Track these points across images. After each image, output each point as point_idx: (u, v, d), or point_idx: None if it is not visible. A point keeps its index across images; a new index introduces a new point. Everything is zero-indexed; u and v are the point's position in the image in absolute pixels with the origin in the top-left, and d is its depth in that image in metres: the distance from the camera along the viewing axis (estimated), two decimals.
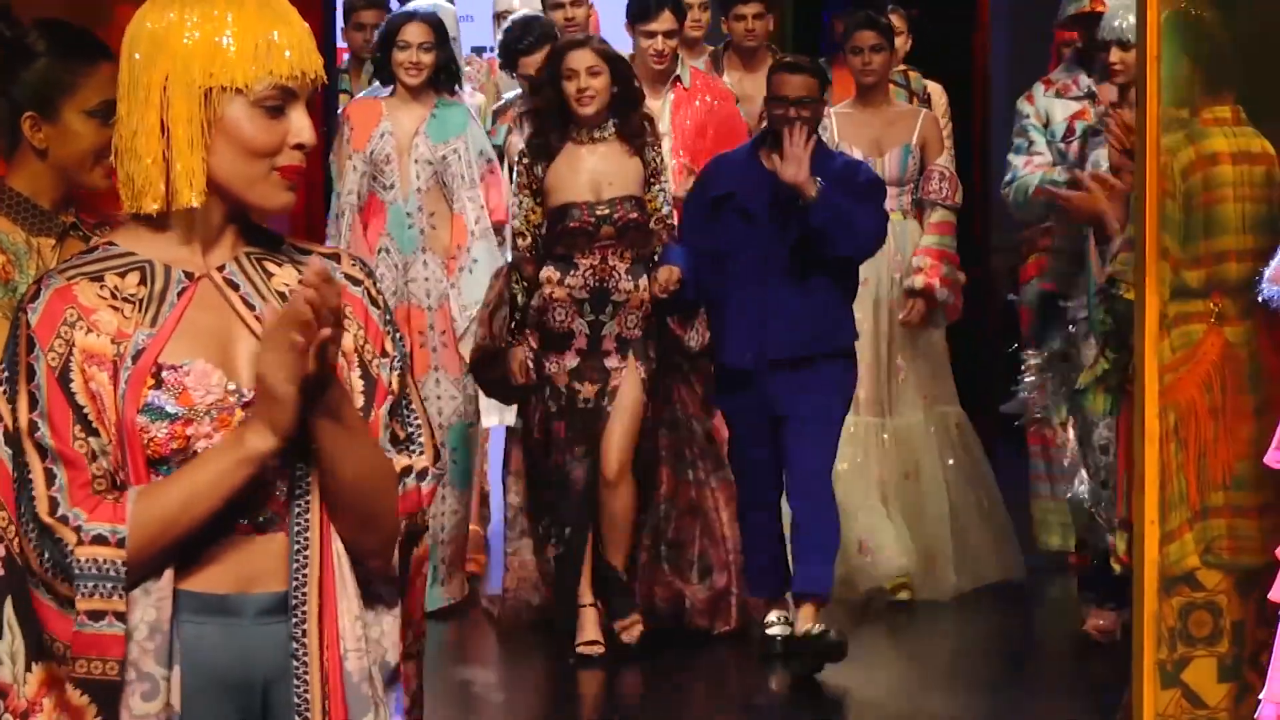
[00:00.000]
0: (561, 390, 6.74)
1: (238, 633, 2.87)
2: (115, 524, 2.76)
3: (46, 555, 2.79)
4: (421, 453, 2.93)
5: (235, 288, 2.88)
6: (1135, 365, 5.38)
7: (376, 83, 7.72)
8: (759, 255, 6.65)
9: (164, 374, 2.81)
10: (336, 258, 2.97)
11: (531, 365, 6.79)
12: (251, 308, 2.87)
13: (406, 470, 2.89)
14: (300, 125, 2.86)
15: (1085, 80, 7.57)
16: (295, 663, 2.83)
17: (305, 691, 2.84)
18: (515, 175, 6.94)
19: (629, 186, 6.75)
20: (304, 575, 2.85)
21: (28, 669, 2.82)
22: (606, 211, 6.71)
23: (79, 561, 2.76)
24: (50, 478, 2.79)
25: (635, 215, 6.73)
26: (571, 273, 6.71)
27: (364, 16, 8.47)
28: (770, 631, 6.78)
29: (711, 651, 6.95)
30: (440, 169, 7.44)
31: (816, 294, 6.65)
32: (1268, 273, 5.14)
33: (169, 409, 2.80)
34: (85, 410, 2.80)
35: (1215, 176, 5.50)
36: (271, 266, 2.92)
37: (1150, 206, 5.52)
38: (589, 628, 6.73)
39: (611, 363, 6.72)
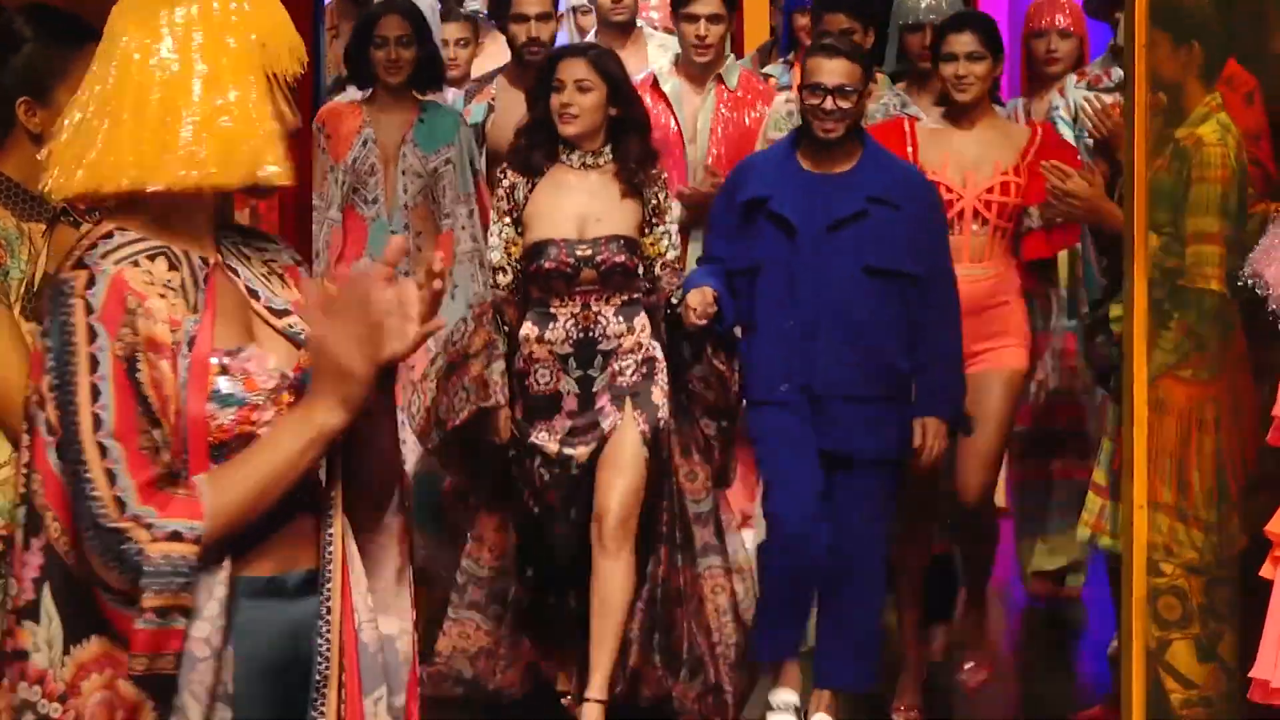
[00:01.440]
0: (553, 458, 5.78)
1: (281, 612, 2.89)
2: (192, 520, 2.75)
3: (113, 556, 2.75)
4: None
5: (236, 273, 2.91)
6: (1125, 350, 5.45)
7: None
8: (797, 269, 5.72)
9: (226, 361, 2.83)
10: (270, 238, 3.05)
11: (514, 430, 5.87)
12: (255, 293, 2.91)
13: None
14: (295, 107, 2.94)
15: (1118, 72, 7.29)
16: (320, 638, 2.87)
17: (325, 667, 2.88)
18: (494, 199, 6.04)
19: (620, 226, 5.80)
20: (330, 553, 2.89)
21: (65, 653, 2.81)
22: (588, 253, 5.76)
23: (151, 559, 2.74)
24: (112, 478, 2.75)
25: (622, 259, 5.77)
26: (550, 326, 5.78)
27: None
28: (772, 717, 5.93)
29: None
30: (431, 182, 6.78)
31: (867, 323, 5.71)
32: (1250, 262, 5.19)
33: (238, 395, 2.82)
34: (150, 401, 2.78)
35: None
36: (249, 252, 2.96)
37: (1139, 191, 5.54)
38: None
39: (607, 420, 5.78)
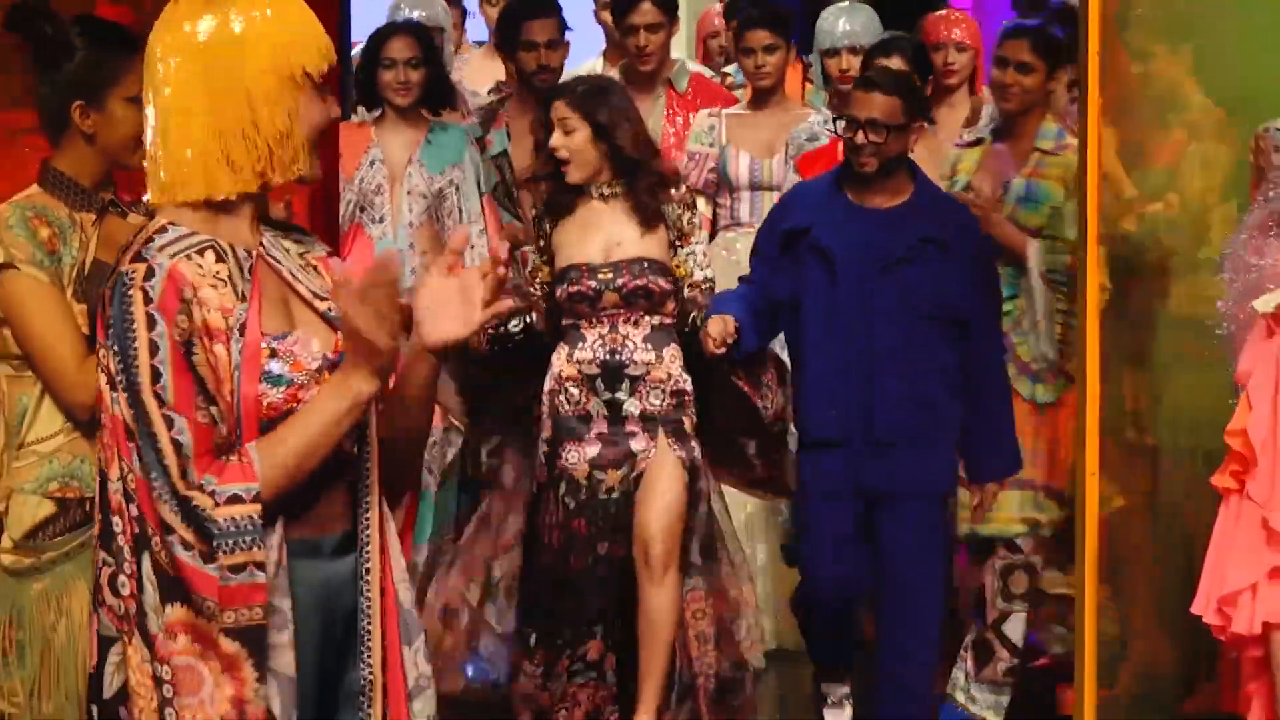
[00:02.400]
0: (581, 483, 5.55)
1: (321, 570, 3.03)
2: (248, 483, 2.89)
3: (187, 521, 2.88)
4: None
5: (278, 261, 3.05)
6: (1079, 327, 5.56)
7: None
8: (837, 304, 5.45)
9: (275, 345, 2.97)
10: (304, 232, 3.19)
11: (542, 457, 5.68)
12: (297, 279, 3.06)
13: None
14: (331, 102, 3.07)
15: None
16: (362, 598, 3.02)
17: (369, 624, 3.03)
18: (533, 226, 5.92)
19: (642, 250, 5.60)
20: (368, 518, 3.04)
21: (162, 613, 2.92)
22: (610, 276, 5.58)
23: (218, 523, 2.87)
24: (177, 447, 2.88)
25: (643, 281, 5.58)
26: (579, 345, 5.61)
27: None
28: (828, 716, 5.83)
29: None
30: (435, 204, 6.57)
31: (915, 366, 5.45)
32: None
33: (286, 376, 2.96)
34: (206, 381, 2.91)
35: None
36: (288, 243, 3.11)
37: (1092, 192, 5.66)
38: None
39: (638, 445, 5.56)
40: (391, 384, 3.11)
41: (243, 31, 2.98)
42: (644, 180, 5.61)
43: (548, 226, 5.70)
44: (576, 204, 5.66)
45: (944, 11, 6.94)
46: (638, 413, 5.55)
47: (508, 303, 3.02)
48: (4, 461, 3.99)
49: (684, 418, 5.58)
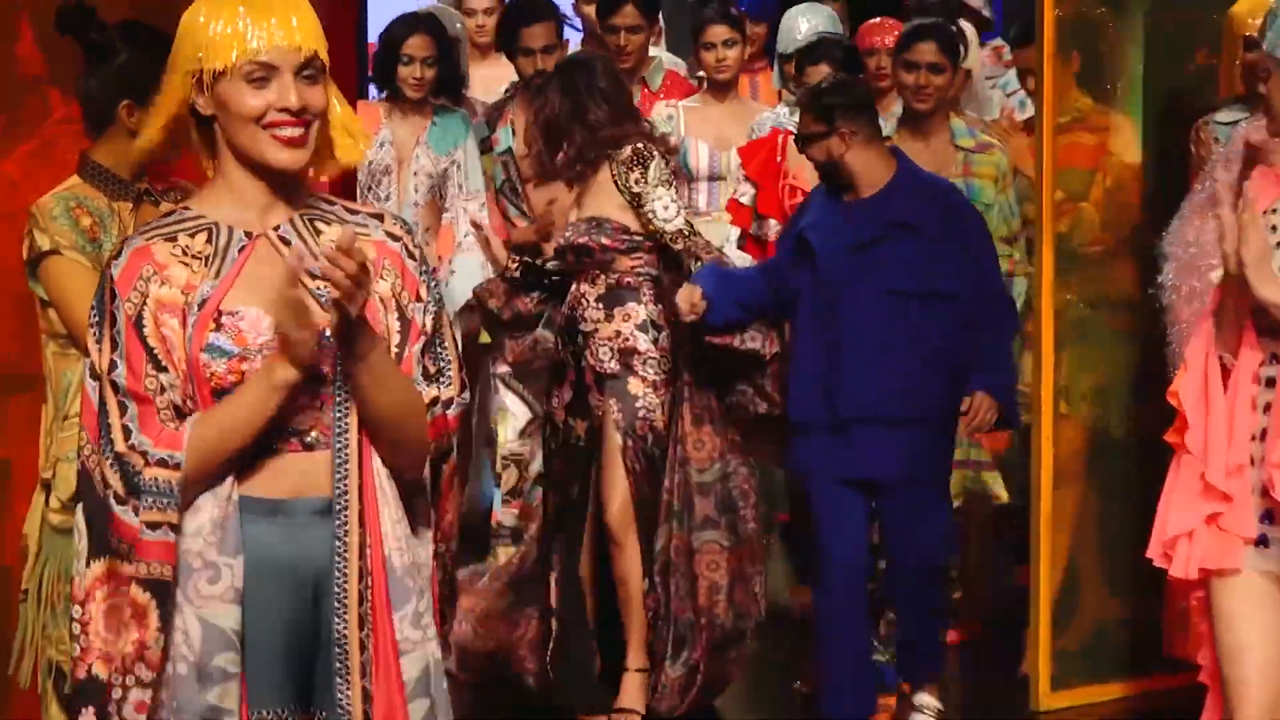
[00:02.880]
0: (559, 426, 5.67)
1: (291, 531, 3.05)
2: (173, 450, 2.97)
3: (120, 476, 2.98)
4: (450, 384, 3.13)
5: (288, 244, 3.06)
6: (1036, 315, 5.82)
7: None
8: (823, 300, 5.39)
9: (223, 319, 3.00)
10: (380, 217, 3.16)
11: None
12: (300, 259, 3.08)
13: (434, 401, 3.10)
14: (281, 92, 3.02)
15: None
16: (336, 557, 3.04)
17: (344, 581, 3.04)
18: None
19: (593, 209, 5.63)
20: (344, 485, 3.04)
21: (87, 565, 3.02)
22: (569, 236, 5.65)
23: (144, 481, 2.97)
24: (123, 409, 2.98)
25: (584, 240, 5.60)
26: (559, 301, 5.74)
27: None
28: None
29: None
30: (439, 182, 6.65)
31: (891, 345, 5.34)
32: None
33: (226, 348, 3.00)
34: (155, 351, 2.99)
35: None
36: (321, 225, 3.10)
37: (1046, 197, 5.85)
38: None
39: (594, 399, 5.61)
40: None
41: (185, 27, 3.06)
42: (571, 150, 5.61)
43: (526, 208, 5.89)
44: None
45: (878, 20, 6.82)
46: (589, 368, 5.59)
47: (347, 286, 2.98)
48: (52, 432, 4.05)
49: (631, 377, 5.55)
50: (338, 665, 3.03)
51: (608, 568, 5.61)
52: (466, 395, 3.21)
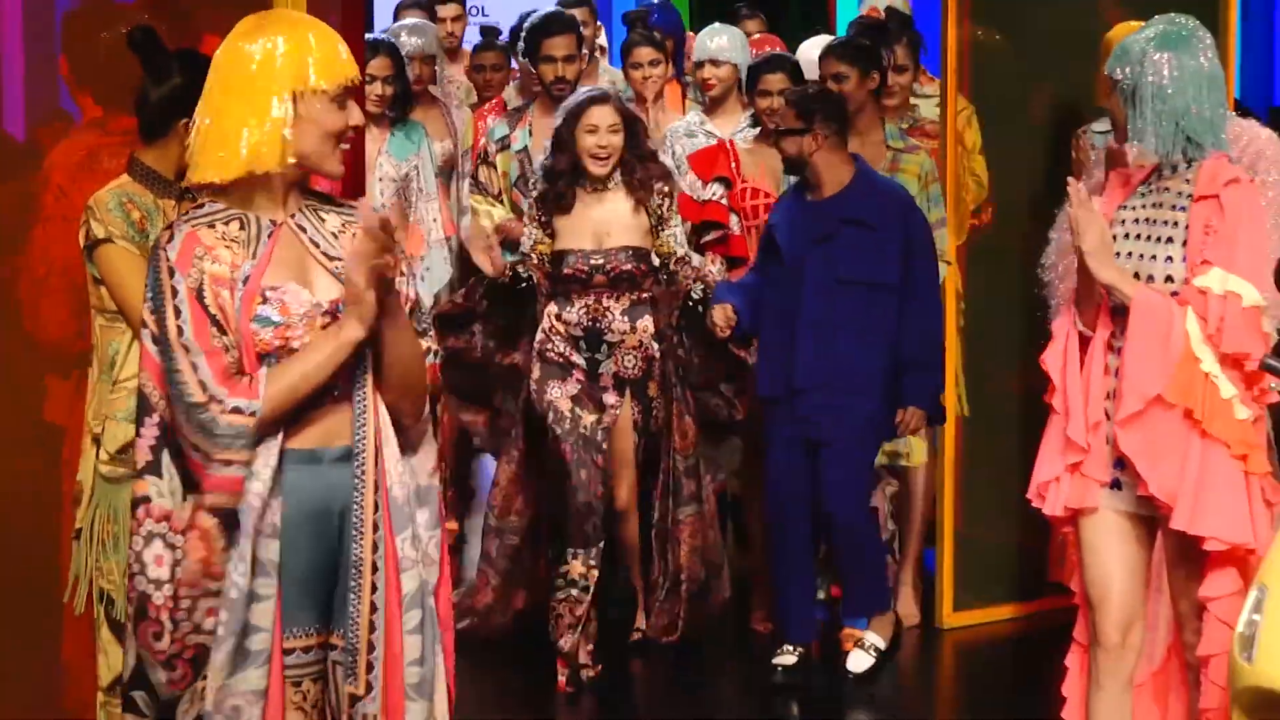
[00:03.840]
0: (565, 414, 5.58)
1: (320, 474, 3.20)
2: (249, 399, 3.08)
3: (196, 425, 3.09)
4: (432, 340, 3.32)
5: (304, 230, 3.22)
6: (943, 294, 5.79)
7: None
8: (784, 285, 5.51)
9: (268, 293, 3.13)
10: (352, 208, 3.29)
11: (532, 392, 5.67)
12: (316, 244, 3.23)
13: (427, 351, 3.29)
14: (355, 114, 3.21)
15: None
16: (355, 494, 3.18)
17: (361, 513, 3.19)
18: (526, 206, 5.82)
19: (628, 237, 5.62)
20: (363, 433, 3.19)
21: (183, 500, 3.13)
22: (601, 261, 5.59)
23: (220, 427, 3.08)
24: (194, 368, 3.08)
25: (629, 266, 5.60)
26: (568, 309, 5.62)
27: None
28: (777, 661, 5.63)
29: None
30: (402, 185, 6.59)
31: (839, 327, 5.45)
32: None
33: (274, 318, 3.14)
34: (216, 317, 3.11)
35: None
36: (324, 215, 3.26)
37: (952, 189, 5.94)
38: (579, 649, 5.64)
39: (610, 399, 5.63)
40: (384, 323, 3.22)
41: (265, 51, 3.14)
42: (641, 171, 5.60)
43: (550, 210, 5.64)
44: (574, 195, 5.62)
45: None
46: (611, 373, 5.60)
47: (388, 258, 3.12)
48: (99, 393, 4.05)
49: (650, 381, 5.64)
50: (352, 584, 3.17)
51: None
52: (439, 347, 3.39)
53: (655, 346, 5.64)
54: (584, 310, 5.60)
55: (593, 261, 5.59)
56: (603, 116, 5.56)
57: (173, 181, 4.06)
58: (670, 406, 5.68)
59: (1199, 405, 3.86)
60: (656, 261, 5.66)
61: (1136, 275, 3.97)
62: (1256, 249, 3.88)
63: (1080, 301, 4.05)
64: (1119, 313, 3.99)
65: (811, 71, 6.09)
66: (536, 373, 5.64)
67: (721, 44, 6.45)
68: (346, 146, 3.22)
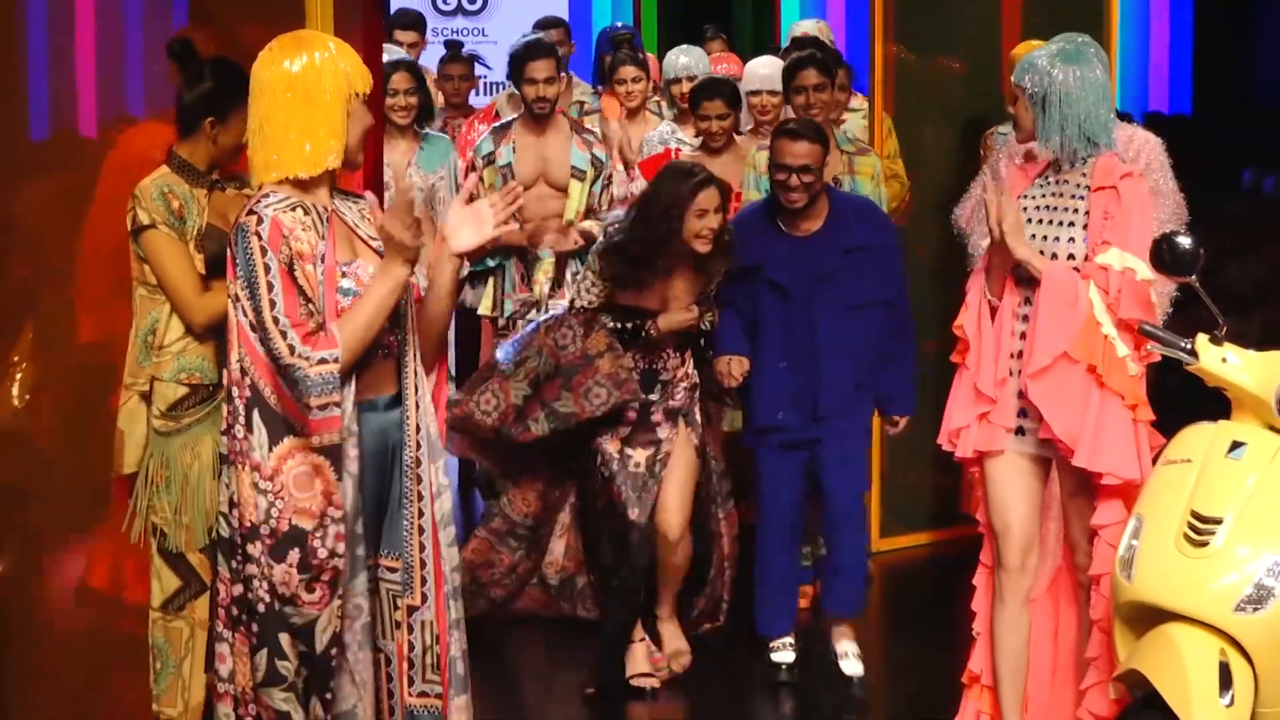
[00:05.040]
0: (613, 455, 4.93)
1: (376, 420, 3.30)
2: (333, 349, 3.16)
3: (292, 381, 3.15)
4: None
5: (345, 215, 3.33)
6: None
7: None
8: (789, 318, 4.96)
9: (346, 269, 3.24)
10: (362, 197, 3.40)
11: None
12: (357, 226, 3.34)
13: None
14: (369, 114, 3.33)
15: None
16: (404, 433, 3.29)
17: (409, 451, 3.31)
18: (589, 262, 4.99)
19: (690, 298, 4.95)
20: (407, 382, 3.31)
21: (269, 450, 3.19)
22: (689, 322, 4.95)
23: (311, 377, 3.14)
24: (284, 334, 3.15)
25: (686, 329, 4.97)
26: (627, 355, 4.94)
27: (451, 69, 7.33)
28: (776, 657, 5.15)
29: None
30: (429, 196, 6.25)
31: (851, 349, 4.99)
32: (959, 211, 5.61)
33: (353, 289, 3.26)
34: (304, 289, 3.19)
35: None
36: (350, 203, 3.38)
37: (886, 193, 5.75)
38: (641, 660, 5.05)
39: (663, 432, 4.97)
40: (427, 283, 3.37)
41: (320, 64, 3.23)
42: (719, 251, 4.88)
43: (614, 276, 4.87)
44: (647, 269, 4.86)
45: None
46: (664, 408, 4.97)
47: (496, 233, 3.28)
48: (132, 352, 4.04)
49: (696, 406, 5.04)
50: (405, 512, 3.27)
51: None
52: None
53: (695, 374, 5.05)
54: (639, 354, 4.93)
55: (678, 323, 4.92)
56: (710, 200, 4.79)
57: (203, 173, 4.06)
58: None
59: (1100, 362, 3.93)
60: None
61: (1041, 253, 4.04)
62: (1146, 233, 3.96)
63: (990, 274, 4.11)
64: (1023, 283, 4.06)
65: (769, 84, 5.91)
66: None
67: (688, 62, 6.49)
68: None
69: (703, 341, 5.05)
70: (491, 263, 5.77)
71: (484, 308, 6.00)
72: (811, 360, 4.94)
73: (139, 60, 4.41)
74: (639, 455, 4.95)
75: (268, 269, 3.15)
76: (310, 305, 3.18)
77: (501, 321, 5.93)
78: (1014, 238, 3.97)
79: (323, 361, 3.15)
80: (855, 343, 4.95)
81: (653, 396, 4.95)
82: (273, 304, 3.14)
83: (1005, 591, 4.16)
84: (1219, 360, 3.85)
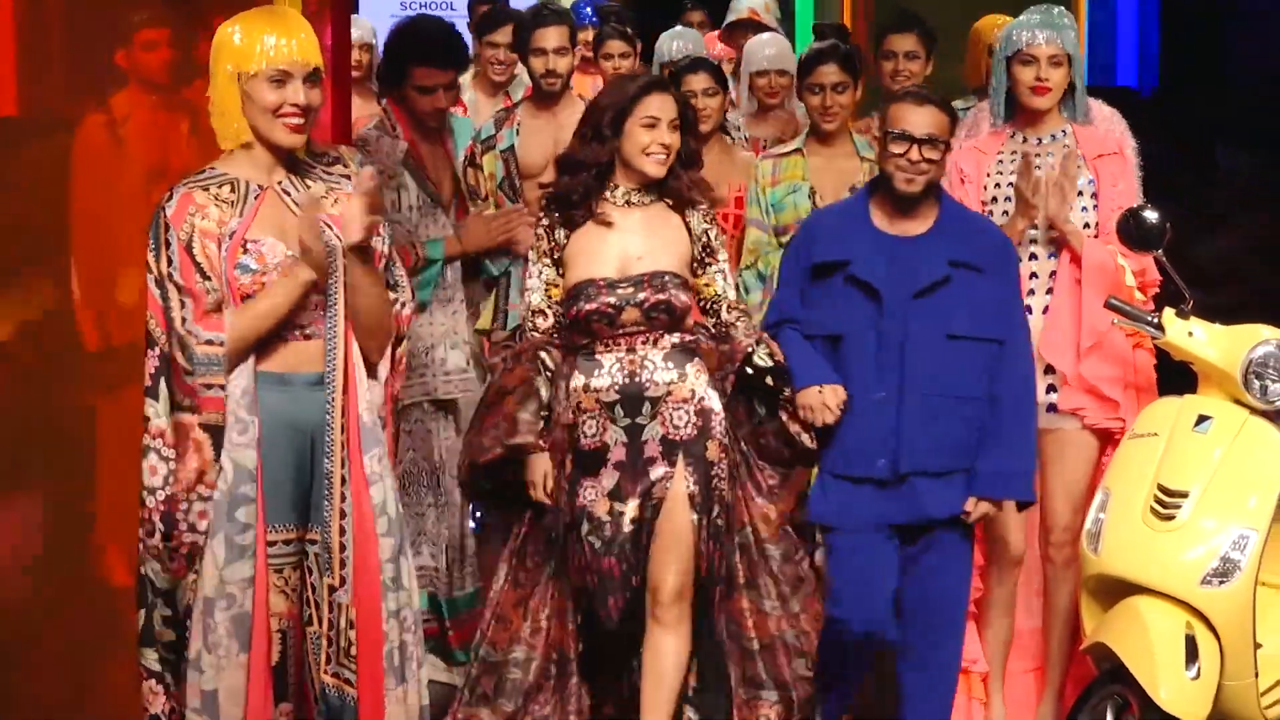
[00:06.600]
0: (604, 519, 3.89)
1: (294, 397, 3.35)
2: (219, 332, 3.27)
3: (182, 352, 3.28)
4: (403, 292, 3.46)
5: (289, 194, 3.38)
6: None
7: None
8: (884, 339, 3.93)
9: (248, 246, 3.31)
10: (341, 160, 3.43)
11: (557, 482, 3.94)
12: (295, 205, 3.38)
13: (395, 301, 3.45)
14: (293, 92, 3.30)
15: None
16: (327, 415, 3.32)
17: (331, 433, 3.33)
18: (535, 238, 4.09)
19: (664, 262, 3.94)
20: (333, 363, 3.33)
21: (169, 416, 3.30)
22: (630, 291, 3.91)
23: (197, 356, 3.26)
24: (181, 305, 3.27)
25: (664, 296, 3.91)
26: (596, 372, 3.92)
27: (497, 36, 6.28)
28: None
29: None
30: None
31: (950, 393, 3.93)
32: None
33: (252, 266, 3.31)
34: (202, 265, 3.28)
35: None
36: (311, 181, 3.41)
37: None
38: None
39: (656, 472, 3.88)
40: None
41: (218, 41, 3.33)
42: (685, 178, 4.00)
43: (561, 237, 4.00)
44: (590, 213, 3.99)
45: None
46: (658, 437, 3.90)
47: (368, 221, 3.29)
48: None
49: (709, 441, 3.90)
50: (326, 492, 3.31)
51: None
52: (412, 300, 3.47)
53: (713, 397, 3.93)
54: (616, 367, 3.92)
55: (620, 291, 3.92)
56: (665, 108, 3.93)
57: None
58: (737, 477, 3.98)
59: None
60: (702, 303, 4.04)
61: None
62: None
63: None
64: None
65: (778, 64, 5.49)
66: (568, 468, 3.95)
67: (684, 46, 6.23)
68: (299, 121, 3.30)
69: (740, 362, 3.97)
70: (496, 270, 5.05)
71: (483, 322, 5.11)
72: (899, 398, 3.92)
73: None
74: (632, 509, 3.91)
75: (168, 244, 3.26)
76: (208, 283, 3.27)
77: (504, 335, 5.03)
78: (1062, 215, 4.13)
79: (210, 343, 3.26)
80: (951, 385, 3.91)
81: (640, 420, 3.91)
82: (170, 275, 3.26)
83: (1004, 575, 4.34)
84: (1185, 334, 3.90)
